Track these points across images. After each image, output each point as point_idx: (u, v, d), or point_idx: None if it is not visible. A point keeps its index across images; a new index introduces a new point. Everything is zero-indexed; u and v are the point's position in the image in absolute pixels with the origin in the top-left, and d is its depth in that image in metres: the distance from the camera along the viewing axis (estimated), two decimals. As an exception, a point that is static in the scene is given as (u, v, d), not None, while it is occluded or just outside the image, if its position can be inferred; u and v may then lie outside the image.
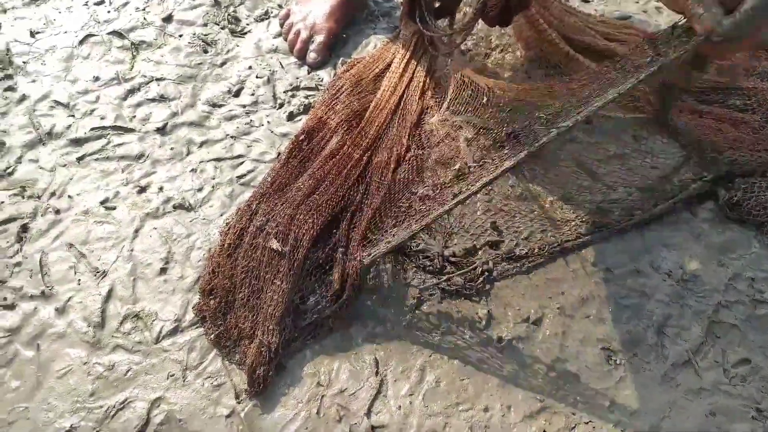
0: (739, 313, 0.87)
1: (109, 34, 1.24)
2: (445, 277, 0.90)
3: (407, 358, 0.83)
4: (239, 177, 1.02)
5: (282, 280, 0.85)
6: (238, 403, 0.80)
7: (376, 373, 0.82)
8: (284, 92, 1.14)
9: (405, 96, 1.13)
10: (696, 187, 0.98)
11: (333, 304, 0.84)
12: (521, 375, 0.82)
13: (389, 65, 1.19)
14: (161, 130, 1.08)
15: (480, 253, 0.93)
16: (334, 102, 1.10)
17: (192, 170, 1.03)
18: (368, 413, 0.79)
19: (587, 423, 0.78)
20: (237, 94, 1.14)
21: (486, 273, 0.90)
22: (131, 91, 1.14)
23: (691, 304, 0.87)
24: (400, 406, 0.79)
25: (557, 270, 0.91)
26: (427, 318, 0.87)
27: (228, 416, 0.79)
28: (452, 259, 0.92)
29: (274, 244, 0.88)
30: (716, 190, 0.98)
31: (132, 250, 0.94)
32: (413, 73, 1.17)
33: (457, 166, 0.97)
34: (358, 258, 0.85)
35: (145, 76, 1.16)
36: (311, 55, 1.17)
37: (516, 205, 0.98)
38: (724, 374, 0.82)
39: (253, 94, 1.14)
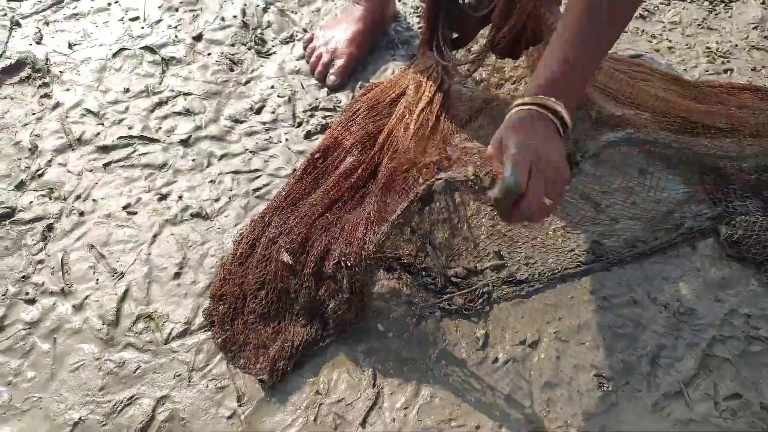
0: (733, 348, 0.88)
1: (141, 48, 1.31)
2: (446, 297, 0.93)
3: (404, 372, 0.86)
4: (255, 190, 1.07)
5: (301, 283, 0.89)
6: (240, 405, 0.83)
7: (374, 385, 0.85)
8: (303, 112, 1.19)
9: (419, 120, 1.17)
10: (697, 224, 1.01)
11: (347, 307, 0.87)
12: (514, 396, 0.84)
13: (405, 90, 1.23)
14: (184, 142, 1.14)
15: (481, 275, 0.96)
16: (350, 123, 1.14)
17: (211, 181, 1.08)
18: (363, 423, 0.81)
19: (576, 446, 0.80)
20: (258, 112, 1.19)
21: (486, 295, 0.93)
22: (159, 104, 1.20)
23: (685, 337, 0.89)
24: (394, 419, 0.82)
25: (556, 296, 0.94)
26: (426, 335, 0.89)
27: (229, 417, 0.82)
28: (454, 279, 0.95)
29: (285, 257, 0.92)
30: (717, 226, 1.00)
31: (149, 254, 0.98)
32: (429, 99, 1.21)
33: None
34: (359, 248, 0.87)
35: (173, 91, 1.22)
36: (331, 78, 1.23)
37: (519, 231, 1.00)
38: (714, 407, 0.83)
39: (273, 112, 1.19)
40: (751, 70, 1.27)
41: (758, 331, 0.90)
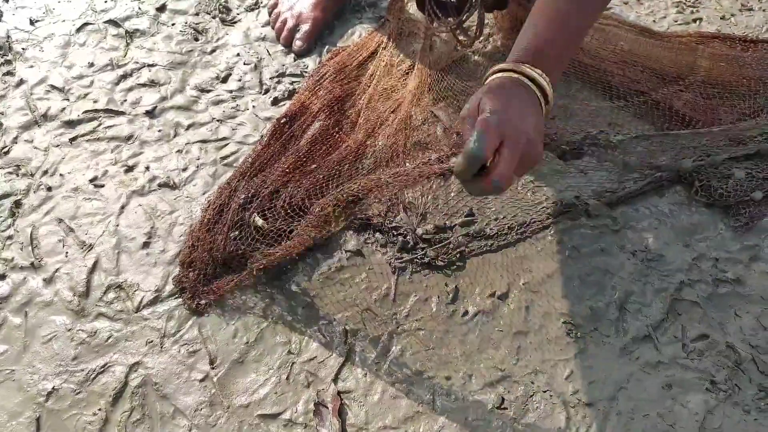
0: (701, 291, 0.89)
1: (105, 22, 1.29)
2: (420, 253, 0.93)
3: (375, 328, 0.86)
4: (223, 158, 1.06)
5: None
6: (212, 368, 0.83)
7: (345, 342, 0.85)
8: (270, 78, 1.18)
9: (388, 83, 1.17)
10: (666, 173, 1.01)
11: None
12: (484, 347, 0.85)
13: (373, 53, 1.23)
14: (150, 114, 1.12)
15: (451, 231, 0.96)
16: (317, 88, 1.14)
17: (178, 151, 1.07)
18: (335, 379, 0.82)
19: (545, 391, 0.80)
20: (225, 80, 1.18)
21: (456, 250, 0.93)
22: (123, 77, 1.19)
23: (654, 282, 0.90)
24: (366, 374, 0.83)
25: (525, 249, 0.94)
26: (396, 292, 0.90)
27: (202, 380, 0.82)
28: (425, 236, 0.96)
29: (259, 221, 0.92)
30: (685, 174, 1.00)
31: (117, 225, 0.98)
32: (397, 62, 1.21)
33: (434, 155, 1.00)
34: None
35: (138, 63, 1.21)
36: (297, 43, 1.21)
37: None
38: (682, 349, 0.84)
39: (240, 80, 1.18)
40: (720, 18, 1.26)
41: (726, 274, 0.91)
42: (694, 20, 1.26)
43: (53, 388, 0.82)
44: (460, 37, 1.15)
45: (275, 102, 1.14)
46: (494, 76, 0.71)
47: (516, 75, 0.69)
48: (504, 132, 0.63)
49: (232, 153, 1.07)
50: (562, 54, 0.72)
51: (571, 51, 0.74)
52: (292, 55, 1.22)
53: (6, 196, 1.02)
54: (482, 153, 0.61)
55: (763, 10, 1.28)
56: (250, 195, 0.95)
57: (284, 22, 1.23)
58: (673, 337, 0.85)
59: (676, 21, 1.25)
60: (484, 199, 0.99)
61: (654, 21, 1.25)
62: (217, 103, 1.15)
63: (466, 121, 0.68)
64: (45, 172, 1.05)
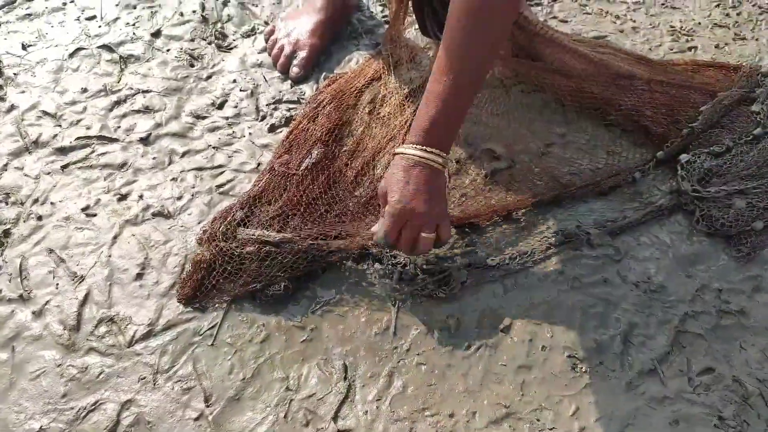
0: (705, 323, 0.88)
1: (98, 47, 1.27)
2: (421, 284, 0.91)
3: (376, 363, 0.84)
4: (218, 186, 1.04)
5: None
6: (207, 406, 0.81)
7: (345, 378, 0.83)
8: (267, 105, 1.17)
9: (386, 110, 1.16)
10: (667, 201, 1.00)
11: None
12: (487, 381, 0.83)
13: (371, 80, 1.22)
14: (144, 141, 1.11)
15: (452, 261, 0.95)
16: (314, 115, 1.12)
17: (173, 179, 1.05)
18: (335, 417, 0.80)
19: (551, 429, 0.78)
20: (221, 107, 1.17)
21: (457, 281, 0.92)
22: (117, 103, 1.17)
23: (657, 314, 0.89)
24: (366, 411, 0.80)
25: (527, 279, 0.93)
26: (396, 325, 0.88)
27: (196, 419, 0.80)
28: (425, 267, 0.94)
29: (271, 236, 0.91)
30: (686, 203, 1.00)
31: (110, 256, 0.95)
32: (394, 89, 1.20)
33: None
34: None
35: (132, 89, 1.19)
36: (294, 70, 1.20)
37: (489, 215, 0.99)
38: (688, 383, 0.83)
39: (236, 107, 1.17)
40: (715, 47, 1.27)
41: (729, 305, 0.90)
42: (689, 48, 1.26)
43: (41, 427, 0.79)
44: None
45: (272, 129, 1.13)
46: (396, 157, 0.85)
47: (411, 156, 0.82)
48: (405, 218, 0.82)
49: (228, 181, 1.05)
50: (449, 126, 0.84)
51: (457, 121, 0.86)
52: (289, 81, 1.21)
53: (-6, 225, 0.99)
54: (388, 241, 0.84)
55: (756, 39, 1.29)
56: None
57: (281, 48, 1.22)
58: (678, 371, 0.84)
59: (671, 49, 1.26)
60: (484, 230, 0.98)
61: (650, 49, 1.26)
62: (213, 129, 1.13)
63: (380, 198, 0.87)
64: (35, 201, 1.03)
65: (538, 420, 0.79)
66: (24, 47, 1.27)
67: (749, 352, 0.85)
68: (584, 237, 0.96)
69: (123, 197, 1.02)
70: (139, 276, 0.93)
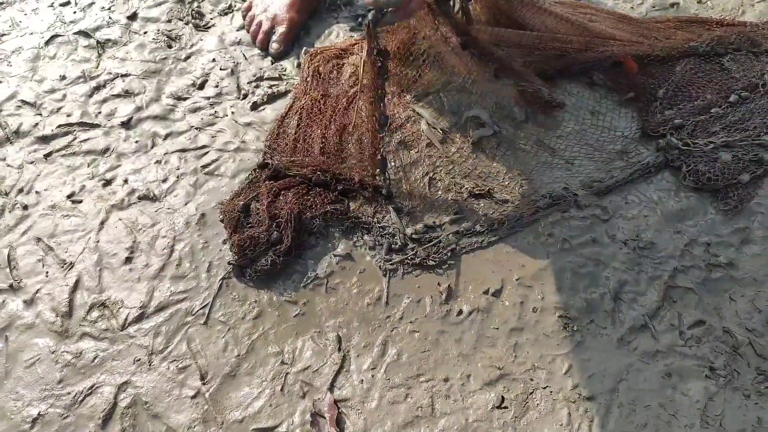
0: (694, 277, 0.89)
1: (75, 34, 1.26)
2: (411, 253, 0.91)
3: (369, 333, 0.85)
4: (204, 167, 1.03)
5: None
6: (204, 383, 0.81)
7: (339, 349, 0.83)
8: (248, 83, 1.16)
9: (366, 83, 1.15)
10: (653, 159, 1.00)
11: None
12: (481, 345, 0.83)
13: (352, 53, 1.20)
14: (126, 125, 1.10)
15: (441, 230, 0.95)
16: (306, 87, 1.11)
17: (157, 162, 1.04)
18: (331, 388, 0.80)
19: (545, 388, 0.79)
20: (201, 87, 1.16)
21: (447, 248, 0.92)
22: (97, 88, 1.16)
23: (647, 271, 0.89)
24: (362, 380, 0.81)
25: (517, 243, 0.93)
26: (388, 294, 0.88)
27: (193, 397, 0.80)
28: (414, 236, 0.94)
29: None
30: (672, 159, 1.00)
31: (98, 242, 0.95)
32: (374, 63, 1.18)
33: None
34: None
35: (111, 73, 1.18)
36: (273, 46, 1.19)
37: (478, 182, 0.99)
38: (679, 336, 0.83)
39: (217, 86, 1.15)
40: (697, 2, 1.26)
41: (718, 258, 0.90)
42: (672, 5, 1.25)
43: (39, 413, 0.79)
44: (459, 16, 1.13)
45: (254, 107, 1.12)
46: None
47: None
48: None
49: (213, 161, 1.04)
50: None
51: None
52: (269, 58, 1.20)
53: (-20, 217, 0.99)
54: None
55: (739, -7, 1.28)
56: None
57: (259, 24, 1.20)
58: (669, 325, 0.84)
59: (654, 7, 1.25)
60: (473, 196, 0.98)
61: (632, 8, 1.25)
62: (195, 110, 1.12)
63: None
64: (20, 191, 1.02)
65: (531, 380, 0.80)
66: (-2, 37, 1.25)
67: (738, 304, 0.86)
68: (572, 198, 0.96)
69: (108, 182, 1.02)
70: (128, 260, 0.93)
